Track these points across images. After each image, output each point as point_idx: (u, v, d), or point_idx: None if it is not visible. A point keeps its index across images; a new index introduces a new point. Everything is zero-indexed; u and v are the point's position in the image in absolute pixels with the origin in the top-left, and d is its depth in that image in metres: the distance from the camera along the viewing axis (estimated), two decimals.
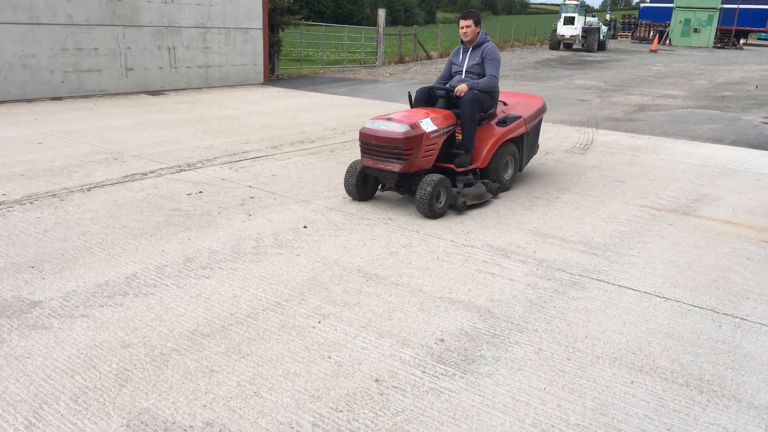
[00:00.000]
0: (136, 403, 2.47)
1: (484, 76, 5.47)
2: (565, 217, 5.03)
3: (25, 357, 2.77)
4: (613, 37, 43.59)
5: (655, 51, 31.30)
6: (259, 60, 14.24)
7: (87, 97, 11.07)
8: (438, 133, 4.97)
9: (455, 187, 5.18)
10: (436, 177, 4.79)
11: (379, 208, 5.09)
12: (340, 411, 2.45)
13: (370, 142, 4.96)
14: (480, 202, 5.20)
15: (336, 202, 5.22)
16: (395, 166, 4.87)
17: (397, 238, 4.41)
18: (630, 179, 6.37)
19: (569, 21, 30.52)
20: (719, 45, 38.96)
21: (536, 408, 2.52)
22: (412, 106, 5.47)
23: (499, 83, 5.70)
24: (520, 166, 5.97)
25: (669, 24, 40.66)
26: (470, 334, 3.09)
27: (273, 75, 15.32)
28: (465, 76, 5.51)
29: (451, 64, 5.72)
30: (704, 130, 9.56)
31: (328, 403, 2.50)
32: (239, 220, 4.69)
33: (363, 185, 5.27)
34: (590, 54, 28.57)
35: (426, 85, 5.54)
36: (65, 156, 6.51)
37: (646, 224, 4.93)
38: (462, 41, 5.61)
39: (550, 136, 8.60)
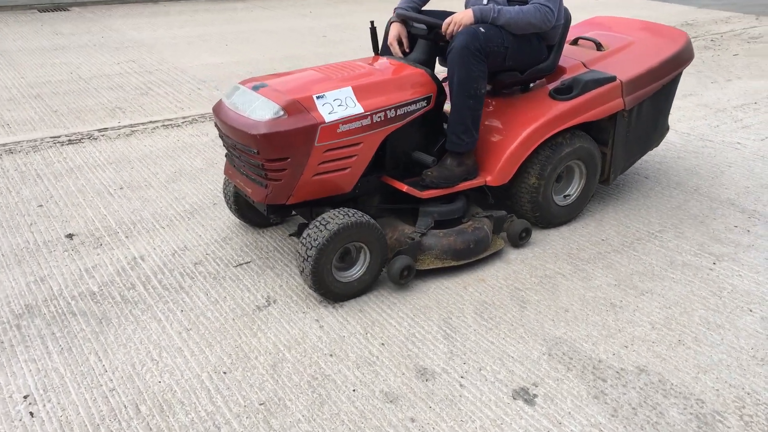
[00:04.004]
0: (545, 329, 2.27)
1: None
2: None
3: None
4: None
5: None
6: None
7: None
8: (365, 122, 2.37)
9: (416, 226, 2.59)
10: (335, 219, 2.27)
11: None
12: None
13: (222, 133, 2.52)
14: (467, 262, 2.56)
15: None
16: (256, 191, 2.43)
17: None
18: None
19: None
20: None
21: None
22: (378, 50, 2.83)
23: None
24: (606, 175, 3.08)
25: None
26: None
27: None
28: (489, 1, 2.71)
29: None
30: None
31: None
32: None
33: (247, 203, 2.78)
34: None
35: (402, 8, 2.74)
36: (353, 50, 6.55)
37: None
38: None
39: None
